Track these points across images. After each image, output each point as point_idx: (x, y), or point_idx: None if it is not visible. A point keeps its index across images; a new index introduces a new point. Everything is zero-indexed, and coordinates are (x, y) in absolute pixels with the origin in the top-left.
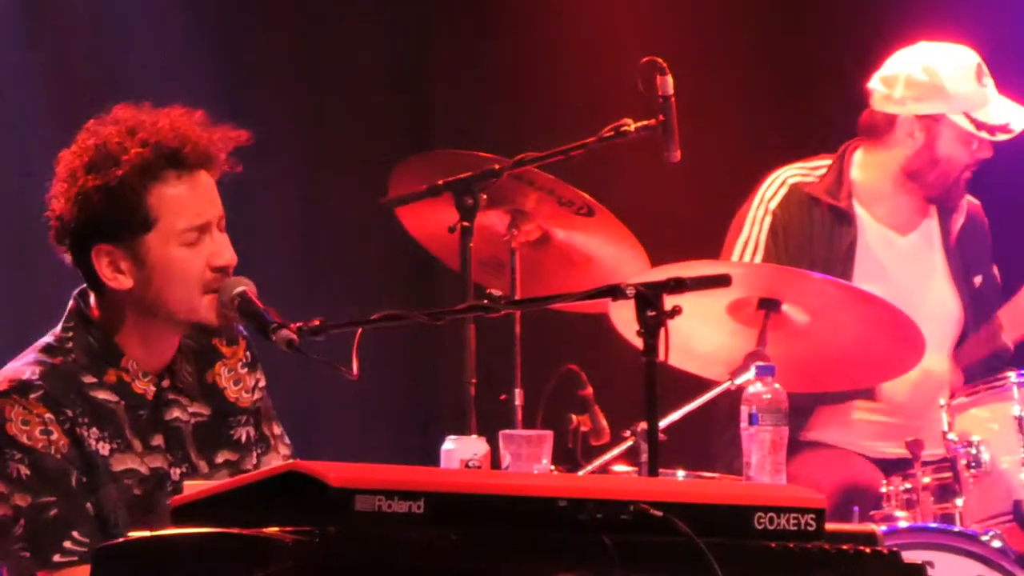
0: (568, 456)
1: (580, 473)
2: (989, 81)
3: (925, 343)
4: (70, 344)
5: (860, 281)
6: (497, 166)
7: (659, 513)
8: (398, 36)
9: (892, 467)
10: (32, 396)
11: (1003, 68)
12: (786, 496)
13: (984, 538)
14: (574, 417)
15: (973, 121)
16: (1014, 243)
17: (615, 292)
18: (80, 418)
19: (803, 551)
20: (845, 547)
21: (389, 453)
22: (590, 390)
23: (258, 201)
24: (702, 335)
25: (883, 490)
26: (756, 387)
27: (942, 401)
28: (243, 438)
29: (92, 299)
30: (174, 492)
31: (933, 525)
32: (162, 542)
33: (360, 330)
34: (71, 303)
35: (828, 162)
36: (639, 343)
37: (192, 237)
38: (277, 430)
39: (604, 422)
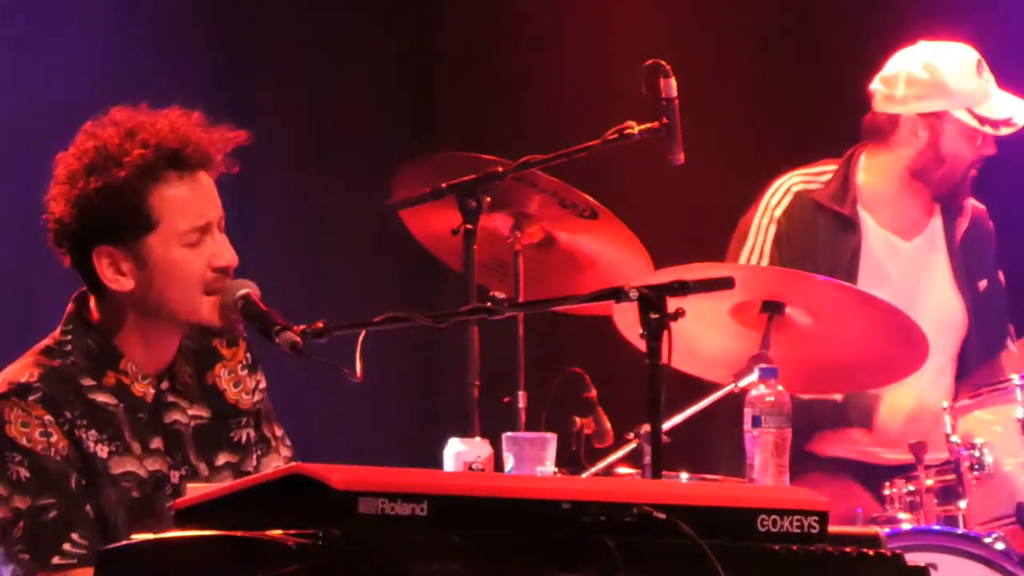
0: (571, 458)
1: (583, 475)
2: (989, 76)
3: (928, 346)
4: (69, 347)
5: (864, 287)
6: (501, 168)
7: (662, 515)
8: (402, 38)
9: (894, 472)
10: (31, 398)
11: (1003, 67)
12: (789, 498)
13: (987, 540)
14: (577, 419)
15: (976, 116)
16: (1021, 248)
17: (618, 295)
18: (79, 420)
19: (806, 553)
20: (848, 549)
21: (392, 455)
22: (593, 392)
23: (260, 203)
24: (705, 338)
25: (886, 492)
26: (759, 390)
27: (945, 404)
28: (243, 440)
29: (91, 301)
30: (174, 495)
31: (936, 527)
32: (165, 545)
33: (364, 332)
34: (70, 306)
35: (834, 167)
36: (642, 346)
37: (194, 238)
38: (278, 432)
39: (607, 424)
